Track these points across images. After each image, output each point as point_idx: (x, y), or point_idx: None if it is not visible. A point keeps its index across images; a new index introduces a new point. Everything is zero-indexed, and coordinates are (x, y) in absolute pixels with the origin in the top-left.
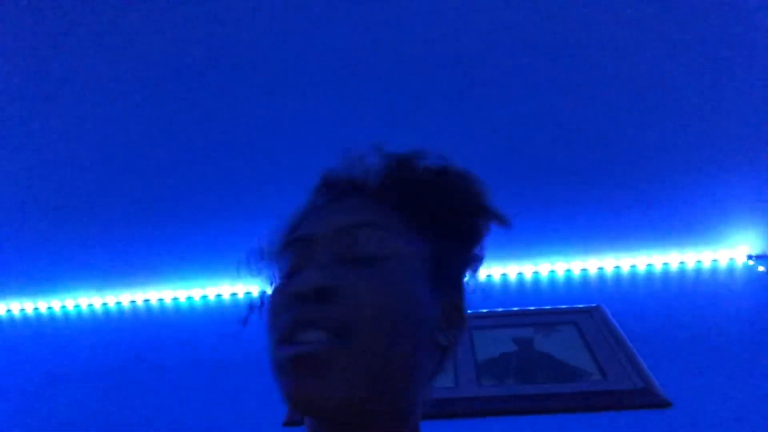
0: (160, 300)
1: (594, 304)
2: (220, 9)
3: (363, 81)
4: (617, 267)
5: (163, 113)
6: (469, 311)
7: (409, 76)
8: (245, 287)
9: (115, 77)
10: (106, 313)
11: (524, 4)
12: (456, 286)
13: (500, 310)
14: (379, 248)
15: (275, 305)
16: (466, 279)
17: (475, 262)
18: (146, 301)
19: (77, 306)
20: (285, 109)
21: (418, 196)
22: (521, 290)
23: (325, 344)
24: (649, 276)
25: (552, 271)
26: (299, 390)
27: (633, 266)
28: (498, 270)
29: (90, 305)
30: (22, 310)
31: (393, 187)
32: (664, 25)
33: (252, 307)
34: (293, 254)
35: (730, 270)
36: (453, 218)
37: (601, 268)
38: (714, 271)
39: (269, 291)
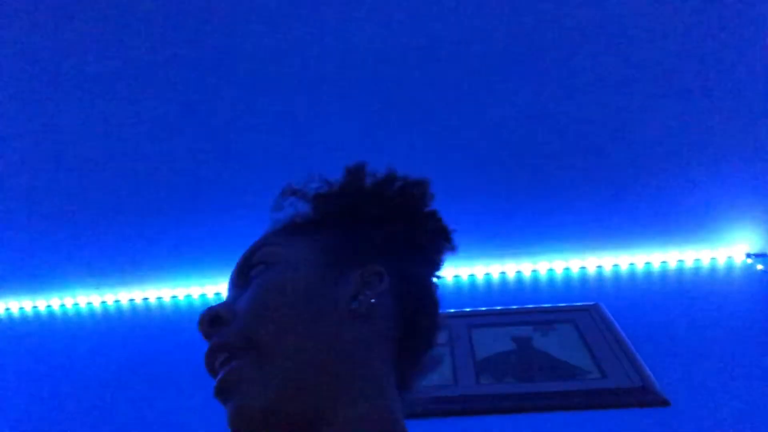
0: (159, 298)
1: (592, 303)
2: (222, 10)
3: (360, 81)
4: (616, 265)
5: (163, 110)
6: (417, 282)
7: (406, 76)
8: None
9: (112, 75)
10: (105, 311)
11: (520, 6)
12: (380, 260)
13: (499, 308)
14: (264, 258)
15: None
16: (409, 252)
17: (399, 230)
18: (145, 299)
19: (76, 304)
20: (284, 108)
21: (320, 206)
22: (520, 288)
23: (234, 366)
24: (648, 274)
25: (550, 270)
26: (229, 416)
27: (631, 264)
28: (496, 268)
29: (89, 303)
30: (22, 308)
31: (291, 214)
32: (662, 20)
33: None
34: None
35: (729, 268)
36: (341, 208)
37: (599, 267)
38: (713, 269)
39: None
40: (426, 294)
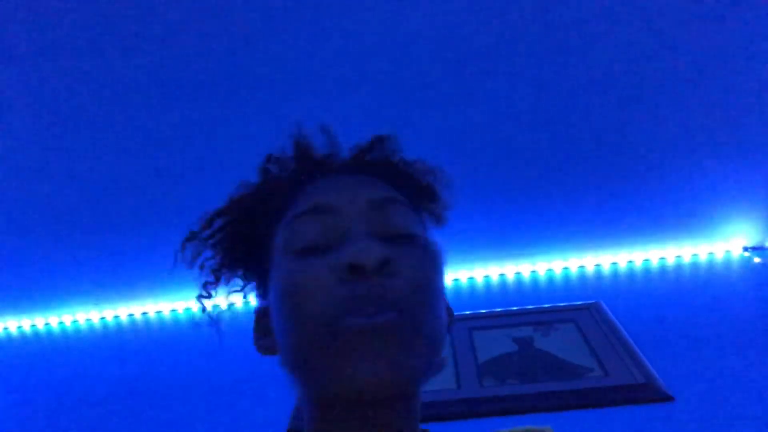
0: (158, 313)
1: (592, 301)
2: (212, 22)
3: (359, 81)
4: (614, 263)
5: (159, 122)
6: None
7: (405, 75)
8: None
9: (104, 90)
10: (105, 327)
11: (520, 4)
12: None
13: (499, 310)
14: (409, 225)
15: (311, 279)
16: None
17: None
18: (144, 314)
19: (75, 321)
20: (284, 119)
21: (408, 180)
22: (519, 290)
23: (395, 318)
24: (646, 271)
25: (549, 270)
26: (372, 364)
27: (630, 262)
28: (495, 270)
29: (88, 320)
30: (20, 327)
31: (389, 169)
32: (657, 16)
33: (213, 320)
34: (315, 224)
35: (727, 262)
36: (433, 204)
37: (598, 265)
38: (711, 263)
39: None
40: None
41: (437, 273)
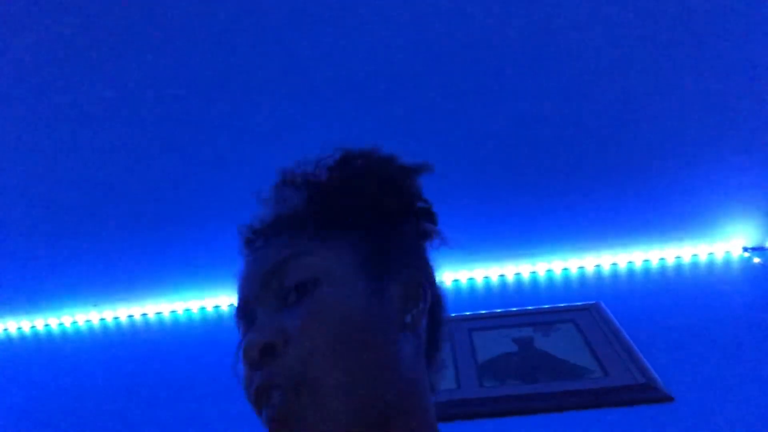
0: (158, 314)
1: (592, 302)
2: (216, 22)
3: (361, 86)
4: (614, 264)
5: (160, 123)
6: (435, 282)
7: (406, 78)
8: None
9: (107, 91)
10: (104, 328)
11: (517, 6)
12: (410, 263)
13: (499, 310)
14: (308, 273)
15: (243, 377)
16: (422, 251)
17: (423, 231)
18: (144, 315)
19: (74, 322)
20: (285, 119)
21: (327, 202)
22: (519, 290)
23: (288, 401)
24: (646, 272)
25: (549, 270)
26: None
27: (630, 262)
28: (495, 271)
29: (87, 321)
30: (20, 328)
31: (304, 209)
32: (659, 16)
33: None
34: (241, 321)
35: (727, 262)
36: (368, 206)
37: (598, 266)
38: (710, 264)
39: None
40: (443, 297)
41: (342, 317)
